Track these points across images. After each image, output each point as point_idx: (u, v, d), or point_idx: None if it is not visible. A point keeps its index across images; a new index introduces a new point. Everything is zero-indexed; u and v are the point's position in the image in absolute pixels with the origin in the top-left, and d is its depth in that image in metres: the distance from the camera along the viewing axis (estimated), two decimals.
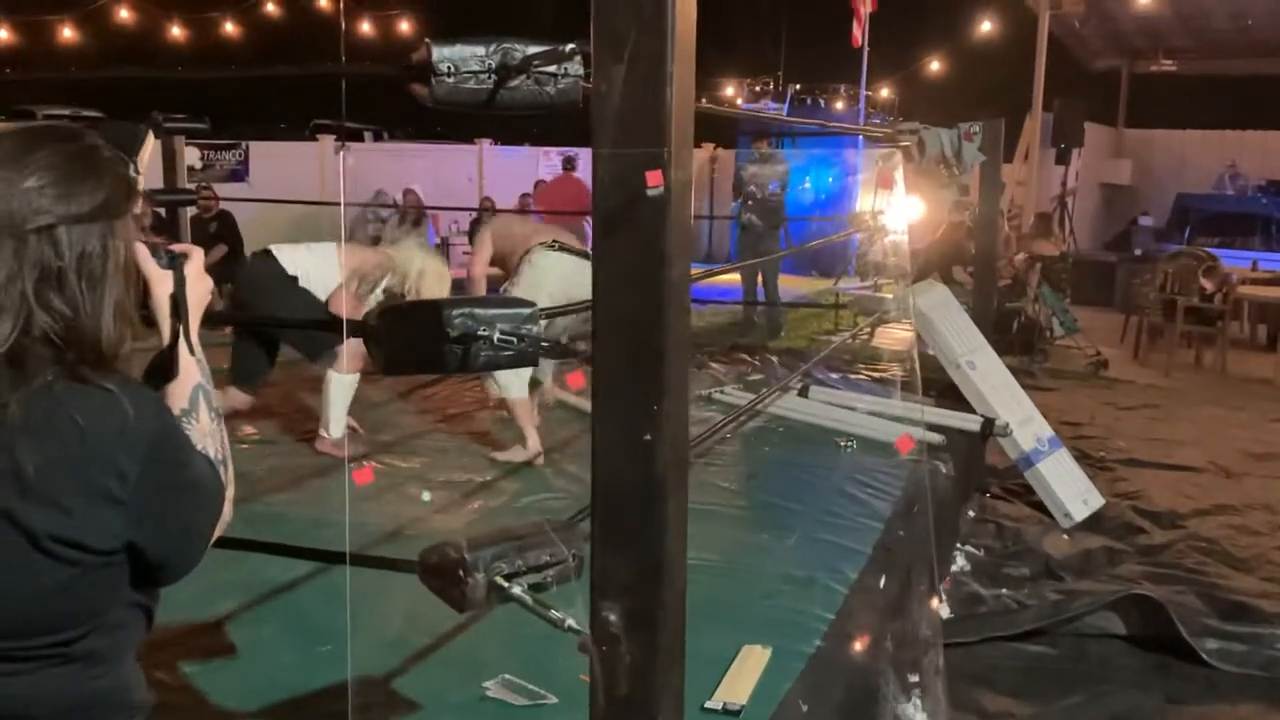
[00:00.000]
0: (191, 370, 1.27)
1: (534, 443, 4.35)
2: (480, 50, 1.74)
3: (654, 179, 1.39)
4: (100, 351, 1.12)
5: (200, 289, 1.28)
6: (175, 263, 1.24)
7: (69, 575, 1.09)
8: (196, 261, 1.28)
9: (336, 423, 4.28)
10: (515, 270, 4.54)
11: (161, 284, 1.24)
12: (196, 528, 1.21)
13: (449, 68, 1.74)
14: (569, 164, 13.05)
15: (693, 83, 1.46)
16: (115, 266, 1.15)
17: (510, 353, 1.77)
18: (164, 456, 1.13)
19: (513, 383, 4.31)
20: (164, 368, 1.25)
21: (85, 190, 1.13)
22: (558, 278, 4.42)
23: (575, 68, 1.76)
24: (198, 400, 1.27)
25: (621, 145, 1.42)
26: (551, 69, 1.76)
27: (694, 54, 1.45)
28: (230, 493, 1.29)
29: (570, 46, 1.59)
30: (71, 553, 1.08)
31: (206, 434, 1.26)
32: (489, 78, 1.75)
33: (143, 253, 1.22)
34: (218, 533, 1.26)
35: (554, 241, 4.52)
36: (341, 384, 4.26)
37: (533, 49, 1.72)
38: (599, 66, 1.44)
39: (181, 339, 1.25)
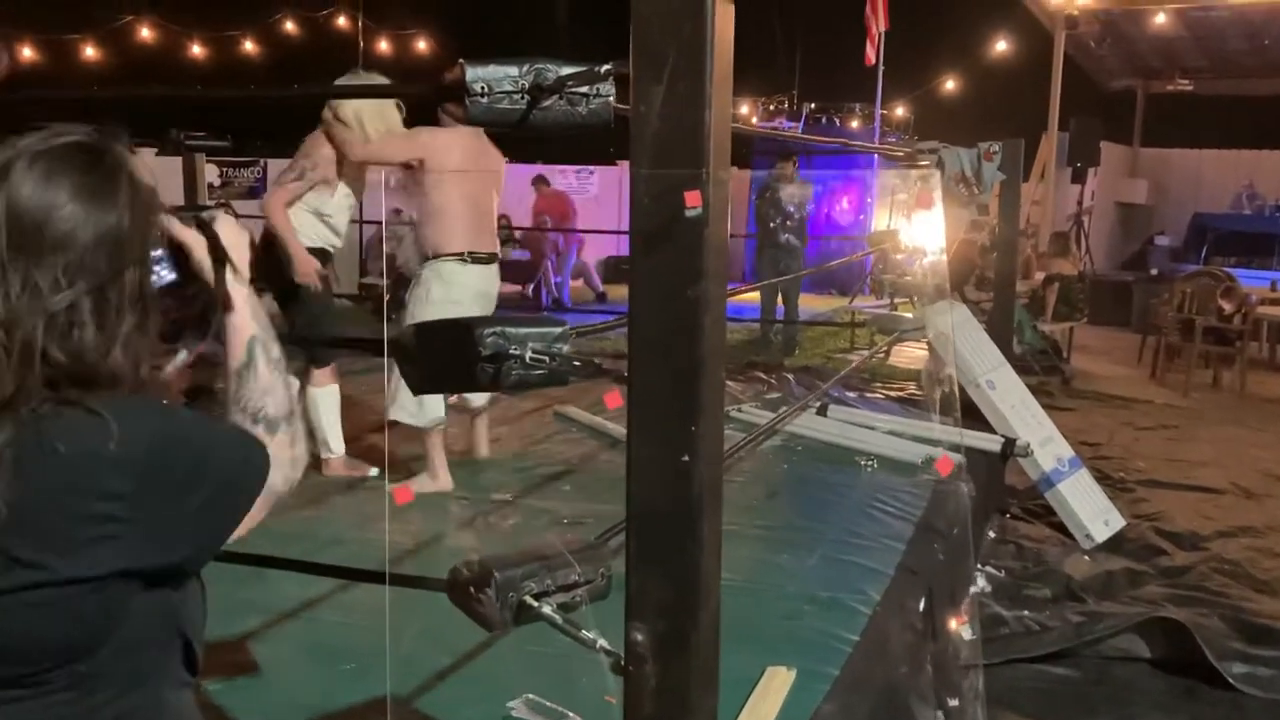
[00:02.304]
0: (244, 324, 1.25)
1: (445, 477, 4.10)
2: (514, 71, 1.75)
3: (693, 199, 1.39)
4: (99, 384, 1.08)
5: (237, 241, 1.25)
6: (204, 224, 1.23)
7: (63, 603, 1.05)
8: (227, 219, 1.26)
9: (335, 438, 4.25)
10: (417, 279, 4.10)
11: (197, 246, 1.22)
12: (220, 518, 1.15)
13: (483, 88, 1.75)
14: (544, 181, 13.29)
15: (730, 103, 1.47)
16: (133, 295, 1.11)
17: (542, 372, 1.77)
18: (167, 461, 1.08)
19: (425, 409, 3.94)
20: (202, 322, 1.22)
21: (110, 214, 1.10)
22: (472, 296, 4.02)
23: (607, 88, 1.77)
24: (254, 353, 1.24)
25: (660, 166, 1.42)
26: (584, 89, 1.77)
27: (731, 75, 1.46)
28: (299, 450, 1.25)
29: (605, 68, 1.60)
30: (68, 588, 1.04)
31: (265, 390, 1.23)
32: (522, 98, 1.76)
33: (173, 223, 1.21)
34: (272, 499, 1.21)
35: (467, 254, 4.01)
36: (325, 398, 4.23)
37: (566, 69, 1.73)
38: (638, 88, 1.45)
39: (232, 291, 1.23)
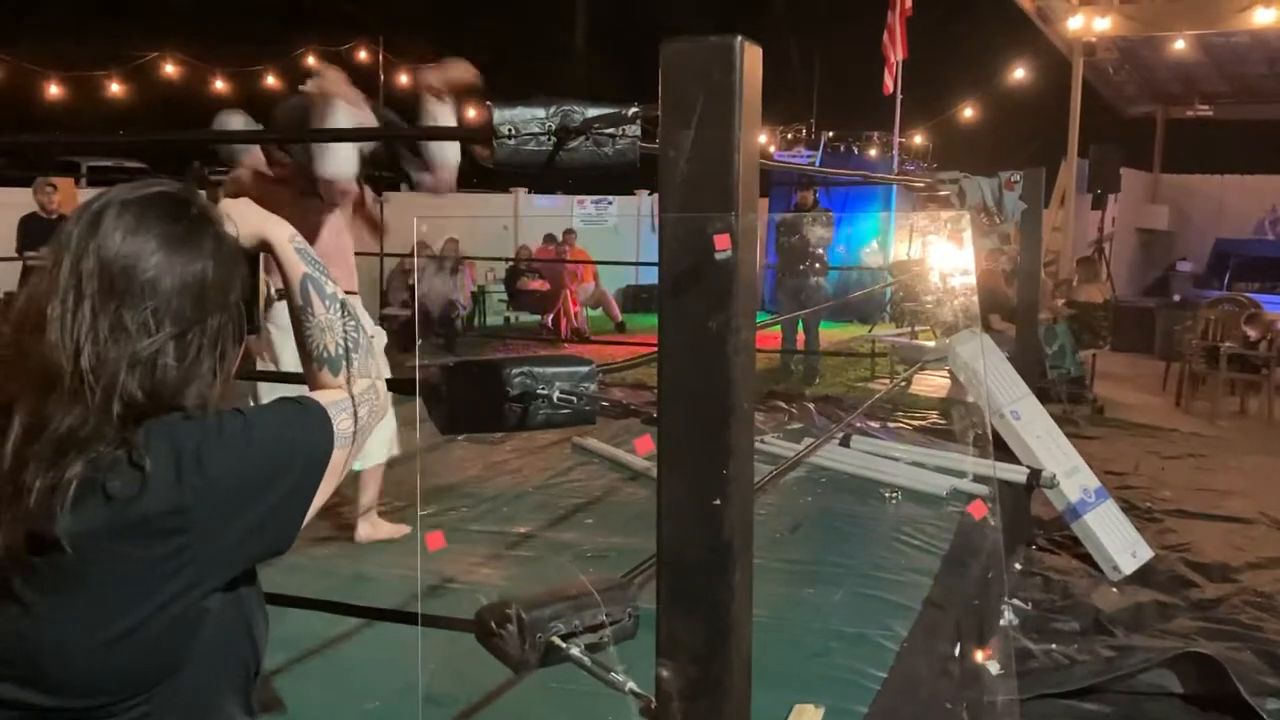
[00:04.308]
0: (294, 265, 1.27)
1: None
2: (540, 113, 1.76)
3: (722, 243, 1.39)
4: (162, 414, 1.10)
5: (244, 206, 1.30)
6: (212, 194, 1.28)
7: (139, 636, 1.07)
8: (229, 201, 1.30)
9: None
10: None
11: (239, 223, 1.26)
12: (289, 503, 1.16)
13: (510, 130, 1.76)
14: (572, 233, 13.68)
15: (758, 146, 1.47)
16: (213, 339, 1.15)
17: (569, 411, 1.77)
18: (213, 465, 1.09)
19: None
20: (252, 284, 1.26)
21: (195, 262, 1.13)
22: None
23: (633, 129, 1.78)
24: (308, 292, 1.27)
25: (689, 209, 1.42)
26: (610, 130, 1.77)
27: (760, 117, 1.46)
28: (366, 385, 1.26)
29: (633, 110, 1.61)
30: (131, 614, 1.06)
31: (323, 327, 1.26)
32: (549, 140, 1.77)
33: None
34: (352, 444, 1.22)
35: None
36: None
37: (592, 111, 1.74)
38: (666, 132, 1.46)
39: (273, 241, 1.27)
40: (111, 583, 1.06)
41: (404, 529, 3.90)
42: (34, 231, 8.32)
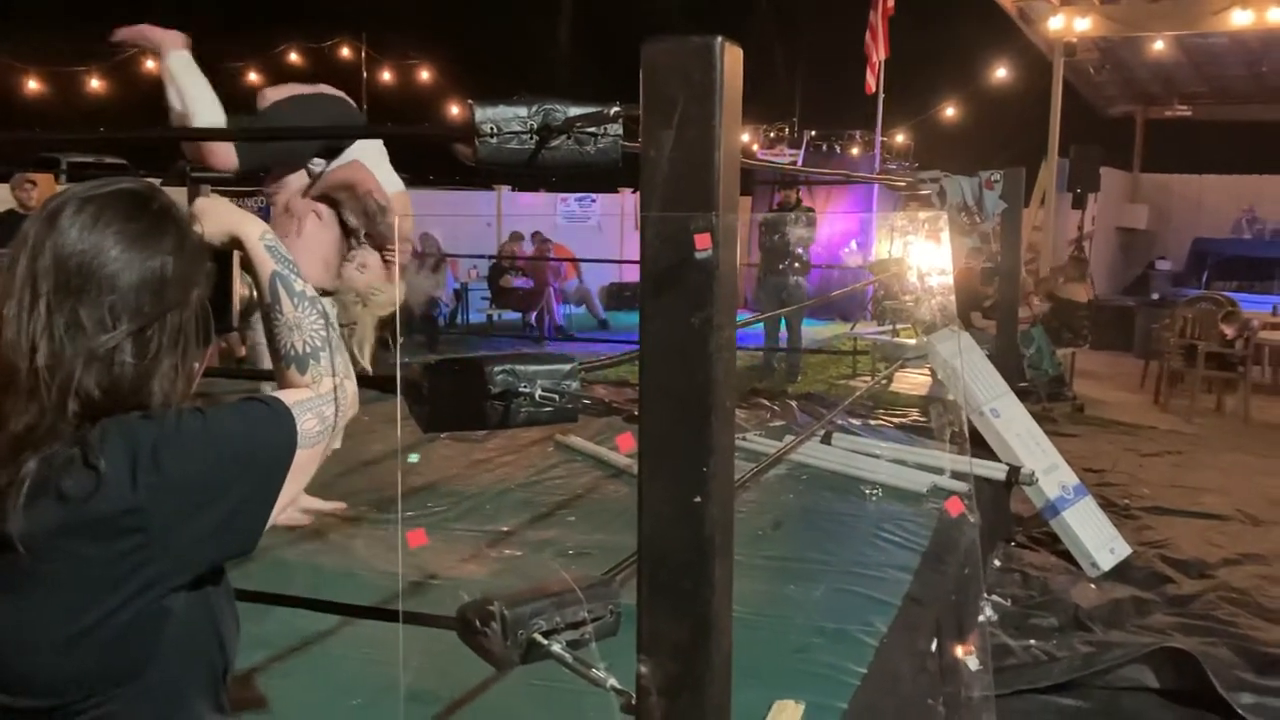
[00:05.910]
0: (264, 263, 1.28)
1: None
2: (522, 111, 1.77)
3: (702, 242, 1.40)
4: (124, 411, 1.10)
5: (215, 205, 1.31)
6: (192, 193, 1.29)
7: (98, 636, 1.07)
8: (203, 198, 1.32)
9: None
10: None
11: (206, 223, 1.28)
12: (253, 503, 1.15)
13: (491, 129, 1.77)
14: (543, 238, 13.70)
15: (739, 145, 1.48)
16: (173, 335, 1.14)
17: (551, 409, 1.78)
18: (170, 464, 1.08)
19: None
20: (222, 281, 1.26)
21: (154, 258, 1.13)
22: None
23: (615, 128, 1.78)
24: (277, 290, 1.27)
25: (670, 208, 1.43)
26: (592, 129, 1.78)
27: (740, 117, 1.47)
28: (336, 381, 1.26)
29: (614, 109, 1.61)
30: (88, 613, 1.06)
31: (291, 325, 1.26)
32: (530, 138, 1.77)
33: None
34: (321, 443, 1.21)
35: None
36: None
37: (574, 110, 1.75)
38: (648, 131, 1.47)
39: (243, 238, 1.29)
40: (68, 582, 1.06)
41: (339, 505, 3.88)
42: (9, 228, 8.28)
